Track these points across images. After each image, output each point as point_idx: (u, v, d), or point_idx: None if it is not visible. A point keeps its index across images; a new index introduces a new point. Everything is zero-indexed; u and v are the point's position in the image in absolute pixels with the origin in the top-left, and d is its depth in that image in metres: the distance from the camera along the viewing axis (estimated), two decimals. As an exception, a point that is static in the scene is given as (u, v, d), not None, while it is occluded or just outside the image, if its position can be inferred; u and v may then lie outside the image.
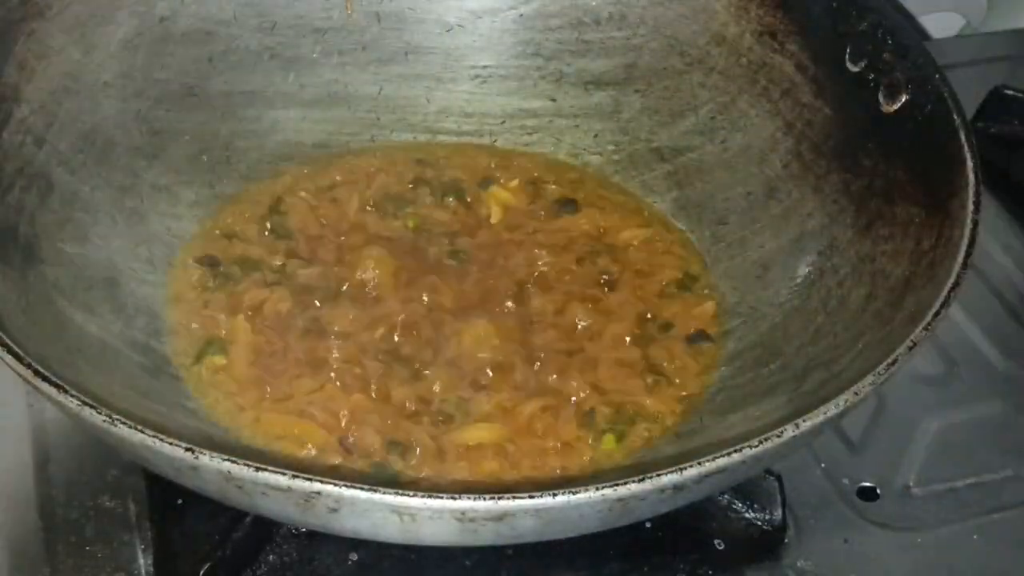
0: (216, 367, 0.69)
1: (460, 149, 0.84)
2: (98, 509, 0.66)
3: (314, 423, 0.66)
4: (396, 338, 0.71)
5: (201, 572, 0.61)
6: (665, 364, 0.71)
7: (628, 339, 0.72)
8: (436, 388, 0.68)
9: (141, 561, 0.64)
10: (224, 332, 0.70)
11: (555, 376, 0.70)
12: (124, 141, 0.75)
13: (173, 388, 0.68)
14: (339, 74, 0.84)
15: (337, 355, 0.69)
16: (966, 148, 0.66)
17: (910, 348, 0.57)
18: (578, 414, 0.68)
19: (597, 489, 0.50)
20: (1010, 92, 0.91)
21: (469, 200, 0.80)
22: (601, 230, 0.79)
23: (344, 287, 0.73)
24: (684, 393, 0.70)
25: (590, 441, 0.67)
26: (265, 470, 0.49)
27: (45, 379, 0.53)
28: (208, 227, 0.77)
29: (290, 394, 0.68)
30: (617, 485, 0.50)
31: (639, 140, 0.83)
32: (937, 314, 0.58)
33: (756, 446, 0.52)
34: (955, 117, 0.67)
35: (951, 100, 0.68)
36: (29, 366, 0.53)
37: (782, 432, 0.53)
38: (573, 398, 0.69)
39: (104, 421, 0.51)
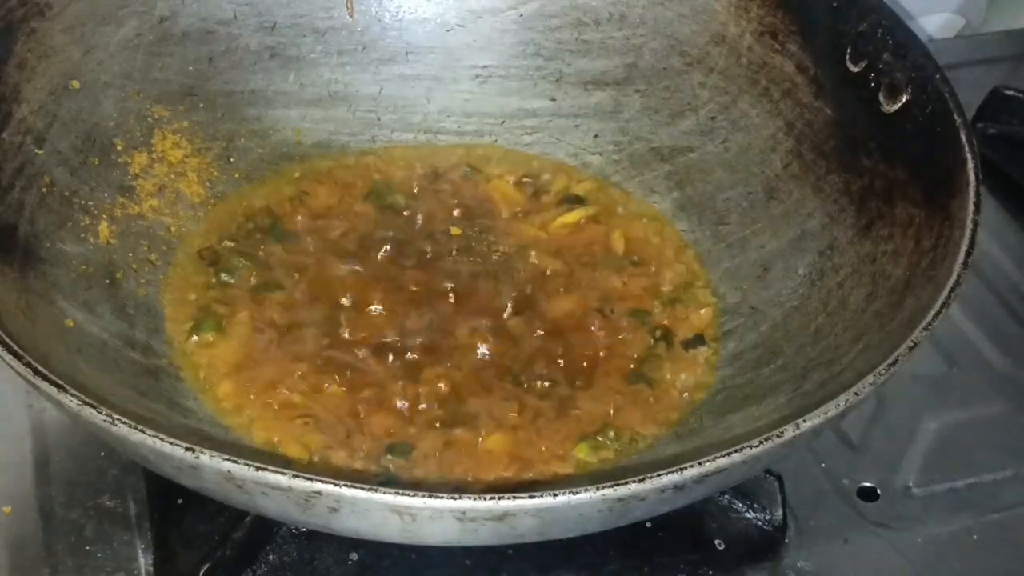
0: (208, 343, 0.69)
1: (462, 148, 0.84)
2: (98, 509, 0.66)
3: (312, 428, 0.66)
4: (396, 340, 0.71)
5: (201, 572, 0.61)
6: (655, 374, 0.71)
7: (623, 343, 0.72)
8: (434, 391, 0.68)
9: (141, 561, 0.64)
10: (223, 316, 0.71)
11: (547, 385, 0.70)
12: (124, 141, 0.75)
13: (173, 388, 0.68)
14: (339, 74, 0.84)
15: (336, 357, 0.69)
16: (966, 148, 0.66)
17: (910, 348, 0.57)
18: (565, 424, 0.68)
19: (597, 489, 0.50)
20: (1010, 92, 0.91)
21: (472, 199, 0.80)
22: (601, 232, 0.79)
23: (343, 288, 0.73)
24: (671, 407, 0.69)
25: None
26: (266, 470, 0.49)
27: (45, 379, 0.53)
28: (209, 226, 0.77)
29: (286, 394, 0.68)
30: (617, 485, 0.50)
31: (639, 140, 0.83)
32: (937, 314, 0.58)
33: (756, 446, 0.52)
34: (955, 117, 0.67)
35: (951, 100, 0.68)
36: (29, 366, 0.53)
37: (782, 432, 0.53)
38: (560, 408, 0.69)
39: (104, 421, 0.51)
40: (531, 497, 0.50)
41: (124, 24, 0.76)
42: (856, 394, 0.55)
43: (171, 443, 0.50)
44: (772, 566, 0.66)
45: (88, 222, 0.71)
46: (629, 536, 0.66)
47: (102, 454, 0.68)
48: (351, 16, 0.83)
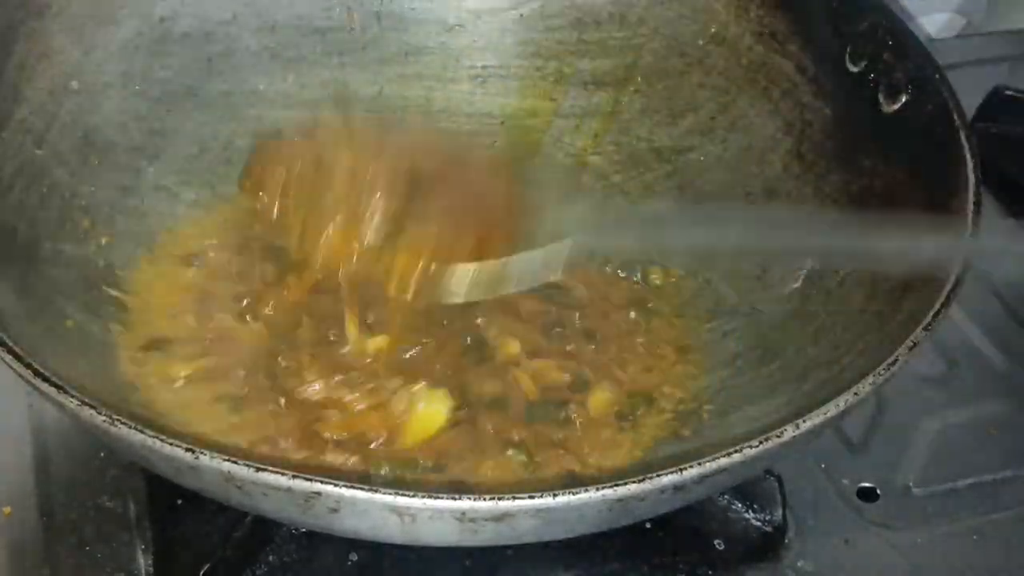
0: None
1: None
2: (98, 509, 0.66)
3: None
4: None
5: (201, 572, 0.61)
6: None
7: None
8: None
9: (141, 561, 0.64)
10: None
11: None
12: (124, 141, 0.75)
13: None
14: (339, 74, 0.84)
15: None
16: (966, 148, 0.66)
17: (910, 348, 0.57)
18: None
19: (597, 489, 0.50)
20: (1010, 92, 0.91)
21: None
22: None
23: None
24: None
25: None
26: (265, 470, 0.49)
27: (45, 379, 0.53)
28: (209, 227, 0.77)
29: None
30: (617, 485, 0.50)
31: (639, 140, 0.83)
32: (937, 314, 0.58)
33: (756, 446, 0.52)
34: (955, 117, 0.67)
35: (951, 100, 0.68)
36: (29, 366, 0.53)
37: (782, 432, 0.53)
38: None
39: (104, 421, 0.51)
40: (531, 497, 0.50)
41: (124, 24, 0.76)
42: (856, 394, 0.55)
43: (171, 443, 0.50)
44: (772, 566, 0.66)
45: (88, 223, 0.71)
46: (629, 536, 0.66)
47: (102, 454, 0.68)
48: (352, 27, 0.83)
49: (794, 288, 0.72)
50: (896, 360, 0.56)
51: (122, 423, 0.51)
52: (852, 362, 0.63)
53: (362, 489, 0.49)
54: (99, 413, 0.51)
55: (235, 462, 0.49)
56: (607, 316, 0.74)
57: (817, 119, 0.76)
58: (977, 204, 0.63)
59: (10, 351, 0.54)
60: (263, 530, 0.63)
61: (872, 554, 0.67)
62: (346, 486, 0.49)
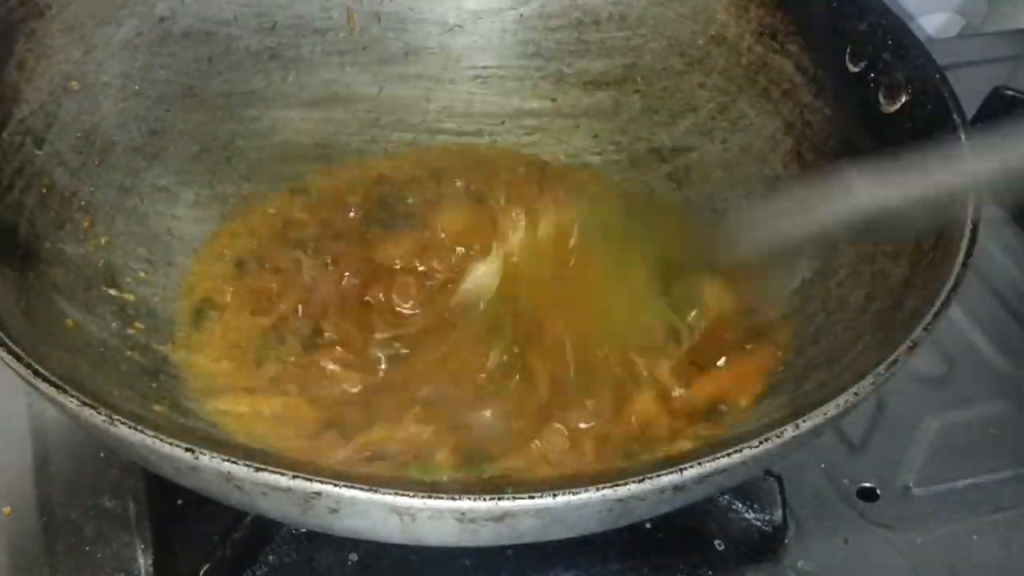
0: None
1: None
2: (98, 509, 0.66)
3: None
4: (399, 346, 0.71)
5: (201, 572, 0.62)
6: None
7: None
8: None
9: (141, 561, 0.64)
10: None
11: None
12: (124, 141, 0.75)
13: (172, 388, 0.68)
14: (339, 74, 0.84)
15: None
16: (966, 148, 0.66)
17: (910, 348, 0.57)
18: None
19: (597, 489, 0.50)
20: (1010, 92, 0.91)
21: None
22: None
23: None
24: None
25: None
26: (265, 470, 0.49)
27: (45, 379, 0.53)
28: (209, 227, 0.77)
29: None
30: (617, 485, 0.50)
31: (639, 140, 0.83)
32: (937, 314, 0.58)
33: (756, 446, 0.52)
34: (955, 117, 0.67)
35: (951, 100, 0.68)
36: (29, 366, 0.53)
37: (782, 432, 0.53)
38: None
39: (104, 421, 0.51)
40: (531, 497, 0.50)
41: (124, 24, 0.76)
42: (856, 394, 0.55)
43: (171, 443, 0.50)
44: (772, 566, 0.66)
45: (88, 223, 0.71)
46: (629, 536, 0.66)
47: (102, 454, 0.68)
48: (352, 28, 0.83)
49: (794, 288, 0.72)
50: (896, 360, 0.56)
51: (122, 423, 0.51)
52: (852, 362, 0.63)
53: (362, 489, 0.49)
54: (99, 413, 0.51)
55: (235, 462, 0.49)
56: None
57: (817, 119, 0.76)
58: (977, 204, 0.63)
59: (10, 351, 0.54)
60: (263, 530, 0.63)
61: (872, 554, 0.67)
62: (346, 486, 0.49)
